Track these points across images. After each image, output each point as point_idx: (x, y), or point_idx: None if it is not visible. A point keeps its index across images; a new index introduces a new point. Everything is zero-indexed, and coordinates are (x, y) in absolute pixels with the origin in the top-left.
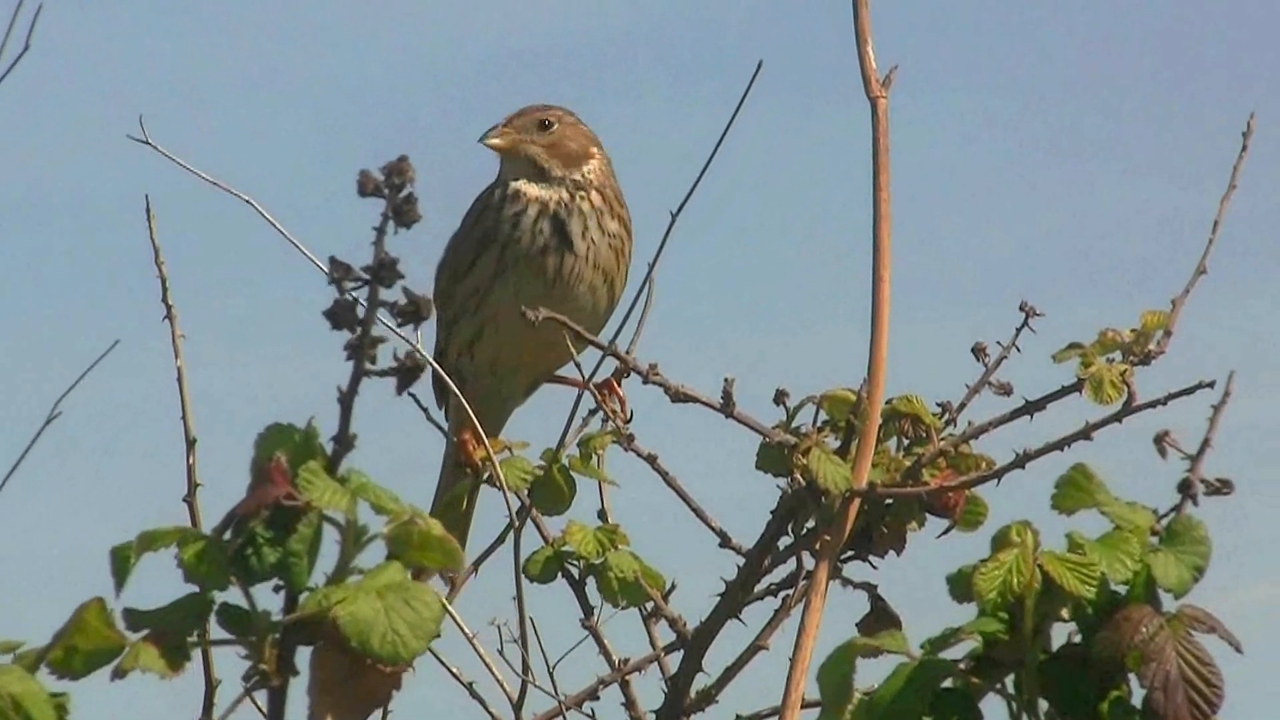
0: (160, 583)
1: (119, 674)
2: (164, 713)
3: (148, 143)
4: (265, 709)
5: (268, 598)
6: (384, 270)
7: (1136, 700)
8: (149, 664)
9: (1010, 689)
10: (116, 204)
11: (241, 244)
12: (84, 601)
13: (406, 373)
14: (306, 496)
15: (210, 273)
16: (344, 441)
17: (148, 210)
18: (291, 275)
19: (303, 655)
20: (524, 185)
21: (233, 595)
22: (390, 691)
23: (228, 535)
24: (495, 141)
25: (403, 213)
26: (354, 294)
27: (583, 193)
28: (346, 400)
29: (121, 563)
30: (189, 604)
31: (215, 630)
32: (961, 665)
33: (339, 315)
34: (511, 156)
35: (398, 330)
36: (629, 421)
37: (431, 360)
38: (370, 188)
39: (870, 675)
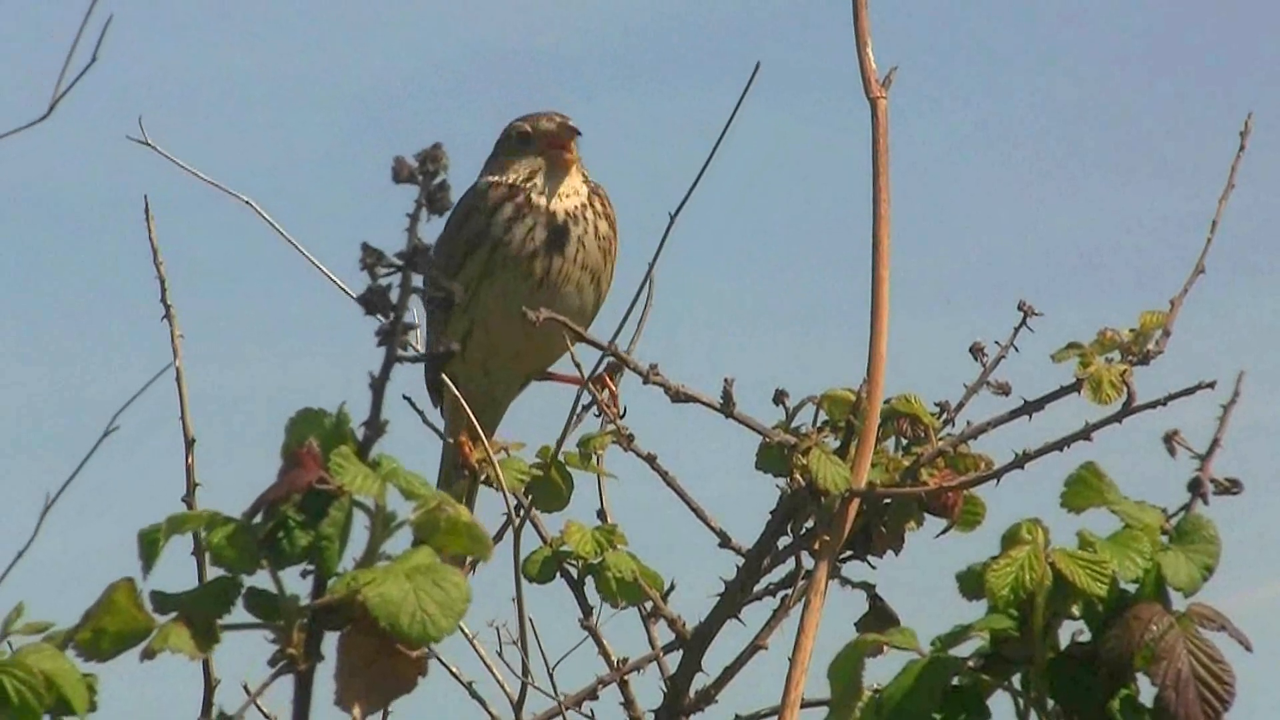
0: (183, 568)
1: (148, 655)
2: (165, 711)
3: (147, 143)
4: (276, 700)
5: (294, 583)
6: (417, 256)
7: (1145, 699)
8: (179, 645)
9: (1018, 686)
10: (116, 204)
11: (241, 244)
12: (113, 582)
13: (438, 359)
14: (339, 481)
15: (210, 273)
16: (375, 427)
17: (147, 210)
18: (291, 276)
19: (329, 641)
20: (558, 200)
21: (258, 580)
22: (416, 677)
23: (257, 519)
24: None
25: (436, 200)
26: (386, 280)
27: (595, 195)
28: (378, 386)
29: (150, 546)
30: (217, 587)
31: (239, 615)
32: (970, 663)
33: (372, 301)
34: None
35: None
36: (622, 415)
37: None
38: (405, 174)
39: (875, 674)
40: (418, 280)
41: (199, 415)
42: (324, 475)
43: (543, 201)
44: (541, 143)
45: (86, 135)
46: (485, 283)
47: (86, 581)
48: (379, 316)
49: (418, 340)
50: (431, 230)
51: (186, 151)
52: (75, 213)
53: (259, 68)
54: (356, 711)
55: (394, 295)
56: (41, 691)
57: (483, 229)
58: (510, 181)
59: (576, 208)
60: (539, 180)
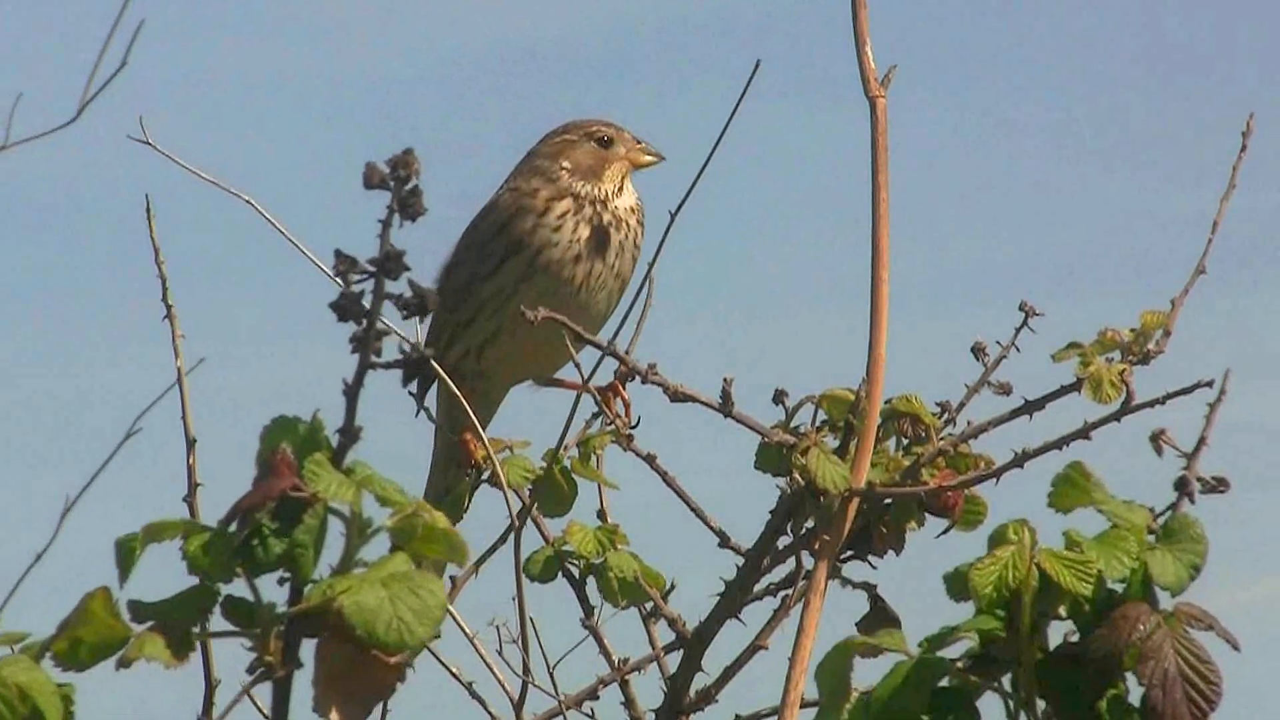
0: (164, 575)
1: (124, 664)
2: (164, 712)
3: (148, 143)
4: (269, 701)
5: (272, 590)
6: (390, 262)
7: (1134, 698)
8: (154, 653)
9: (1007, 687)
10: (116, 204)
11: (242, 243)
12: (89, 591)
13: (412, 365)
14: (313, 488)
15: (210, 273)
16: (349, 434)
17: (148, 210)
18: (291, 274)
19: (307, 647)
20: (623, 199)
21: (236, 588)
22: (395, 683)
23: (233, 527)
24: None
25: (408, 205)
26: (360, 286)
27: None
28: (352, 393)
29: (126, 554)
30: (194, 595)
31: (218, 623)
32: (959, 663)
33: (345, 308)
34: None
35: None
36: (635, 426)
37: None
38: (376, 180)
39: (868, 674)
40: (391, 286)
41: (199, 415)
42: (298, 483)
43: (620, 201)
44: (625, 146)
45: (86, 135)
46: (523, 286)
47: (88, 581)
48: (352, 323)
49: (418, 341)
50: (429, 234)
51: (186, 150)
52: (75, 213)
53: (259, 66)
54: (334, 717)
55: (367, 301)
56: (15, 704)
57: (530, 229)
58: (593, 184)
59: (629, 208)
60: (625, 182)
